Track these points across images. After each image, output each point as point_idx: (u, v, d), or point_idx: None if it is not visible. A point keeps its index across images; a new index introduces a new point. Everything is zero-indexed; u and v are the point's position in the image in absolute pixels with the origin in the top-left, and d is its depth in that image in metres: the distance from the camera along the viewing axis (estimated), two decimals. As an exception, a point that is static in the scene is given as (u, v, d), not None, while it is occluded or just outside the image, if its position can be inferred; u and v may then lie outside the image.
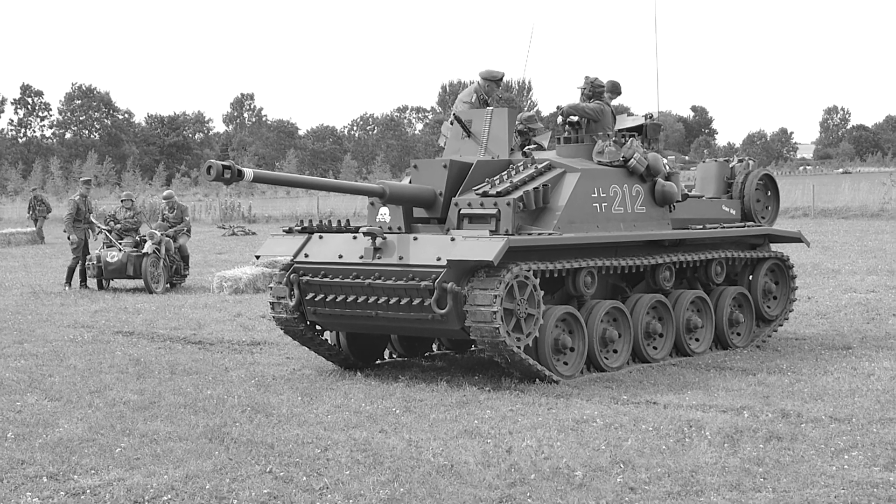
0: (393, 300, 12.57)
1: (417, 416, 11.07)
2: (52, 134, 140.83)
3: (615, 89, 15.23)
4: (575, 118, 14.58)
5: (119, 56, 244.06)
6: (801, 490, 8.38)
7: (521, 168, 13.40)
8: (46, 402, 12.01)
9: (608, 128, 14.29)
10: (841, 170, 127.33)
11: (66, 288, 23.89)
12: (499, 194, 12.90)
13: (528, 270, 12.41)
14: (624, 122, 15.04)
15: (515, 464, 9.14)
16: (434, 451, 9.56)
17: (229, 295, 22.26)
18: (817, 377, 12.84)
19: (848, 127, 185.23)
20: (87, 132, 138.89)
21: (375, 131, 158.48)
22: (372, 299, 12.73)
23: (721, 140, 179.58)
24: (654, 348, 14.22)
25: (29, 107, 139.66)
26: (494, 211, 12.78)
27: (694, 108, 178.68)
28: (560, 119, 14.67)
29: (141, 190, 76.26)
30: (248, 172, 11.85)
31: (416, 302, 12.41)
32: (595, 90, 14.48)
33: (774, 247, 16.58)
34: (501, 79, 14.99)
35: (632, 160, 13.97)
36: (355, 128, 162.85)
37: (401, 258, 12.59)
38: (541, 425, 10.50)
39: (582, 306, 13.43)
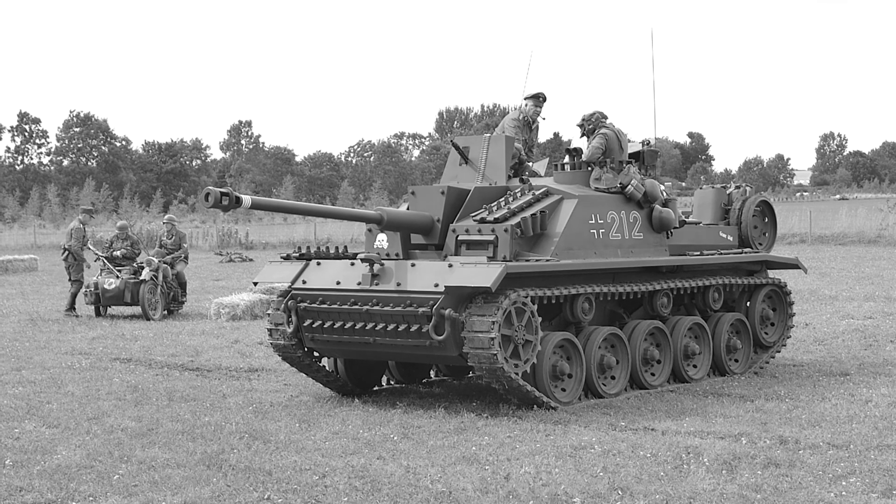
0: (391, 326, 12.57)
1: (415, 442, 11.07)
2: (50, 161, 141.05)
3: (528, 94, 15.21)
4: (577, 145, 14.70)
5: (117, 83, 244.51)
6: (800, 516, 8.38)
7: (519, 194, 13.43)
8: (44, 428, 11.99)
9: (617, 152, 14.25)
10: (838, 196, 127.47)
11: (74, 315, 23.93)
12: (496, 220, 12.92)
13: (526, 297, 12.42)
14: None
15: (514, 490, 9.13)
16: (432, 478, 9.55)
17: (227, 321, 22.25)
18: (815, 404, 12.83)
19: (845, 153, 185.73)
20: (84, 159, 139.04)
21: (373, 158, 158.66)
22: (370, 326, 12.73)
23: (718, 166, 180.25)
24: (652, 374, 14.22)
25: (26, 134, 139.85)
26: (492, 237, 12.79)
27: (691, 135, 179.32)
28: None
29: (138, 217, 76.27)
30: (247, 199, 11.86)
31: (413, 328, 12.41)
32: (595, 124, 14.45)
33: (772, 273, 16.59)
34: (537, 96, 15.08)
35: (629, 186, 14.00)
36: (352, 154, 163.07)
37: (398, 284, 12.60)
38: (539, 452, 10.49)
39: (580, 333, 13.44)
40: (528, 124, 15.20)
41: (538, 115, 15.29)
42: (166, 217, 26.23)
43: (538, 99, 15.19)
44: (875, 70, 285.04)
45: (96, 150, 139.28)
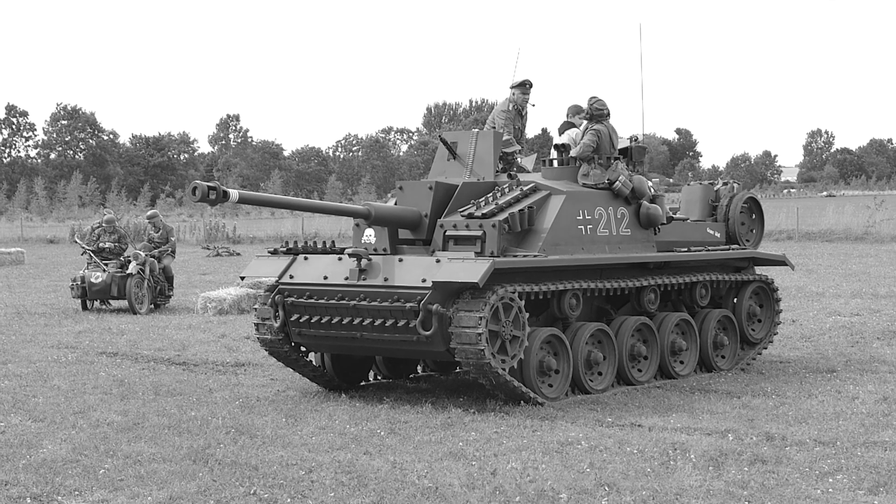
0: (378, 322, 12.55)
1: (402, 437, 11.06)
2: (37, 154, 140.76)
3: (578, 111, 15.19)
4: (566, 141, 14.71)
5: (104, 77, 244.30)
6: (786, 513, 8.39)
7: (507, 190, 13.42)
8: (30, 422, 11.97)
9: (606, 150, 14.20)
10: (825, 193, 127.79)
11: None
12: (484, 216, 12.91)
13: (514, 292, 12.41)
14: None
15: (500, 486, 9.13)
16: (419, 474, 9.54)
17: (213, 316, 22.21)
18: (802, 400, 12.85)
19: (832, 150, 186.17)
20: (71, 152, 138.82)
21: (360, 152, 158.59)
22: (357, 321, 12.71)
23: (705, 163, 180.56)
24: (639, 371, 14.22)
25: (14, 127, 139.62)
26: (480, 233, 12.79)
27: (678, 131, 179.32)
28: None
29: (125, 210, 76.11)
30: (234, 193, 11.85)
31: (401, 323, 12.40)
32: (594, 113, 14.38)
33: (759, 270, 16.60)
34: (524, 84, 15.08)
35: (617, 183, 13.99)
36: (340, 149, 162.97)
37: (386, 280, 12.58)
38: (525, 447, 10.49)
39: (567, 328, 13.43)
40: (519, 112, 15.24)
41: (527, 102, 15.32)
42: (149, 213, 25.96)
43: (525, 87, 15.21)
44: (862, 67, 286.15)
45: (84, 144, 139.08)
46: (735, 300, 16.03)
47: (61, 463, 10.05)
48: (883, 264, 32.80)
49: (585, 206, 13.69)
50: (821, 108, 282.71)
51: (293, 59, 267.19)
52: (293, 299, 13.13)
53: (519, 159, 14.89)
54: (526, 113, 15.44)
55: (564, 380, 13.14)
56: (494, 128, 14.92)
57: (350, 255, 12.88)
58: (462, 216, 13.10)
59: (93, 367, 15.88)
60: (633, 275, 14.23)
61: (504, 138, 14.58)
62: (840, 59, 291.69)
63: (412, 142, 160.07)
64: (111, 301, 24.20)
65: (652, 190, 14.67)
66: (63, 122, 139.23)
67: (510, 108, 15.20)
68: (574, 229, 13.49)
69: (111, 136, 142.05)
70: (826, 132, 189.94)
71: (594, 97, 14.35)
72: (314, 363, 14.03)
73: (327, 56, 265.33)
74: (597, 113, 14.26)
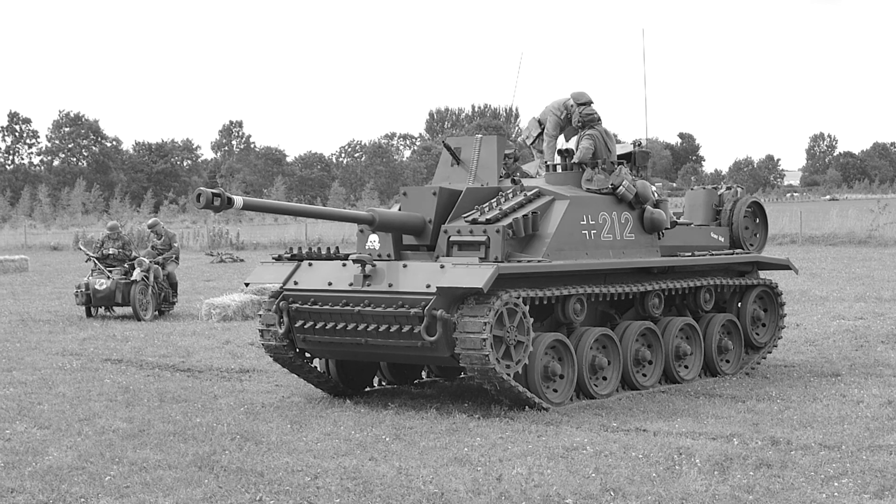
0: (382, 327, 12.57)
1: (407, 443, 11.07)
2: (41, 161, 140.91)
3: (580, 99, 15.08)
4: (570, 144, 14.74)
5: (107, 83, 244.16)
6: (792, 517, 8.38)
7: (511, 195, 13.43)
8: (36, 430, 11.98)
9: (604, 154, 14.22)
10: (828, 196, 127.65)
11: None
12: (488, 221, 12.91)
13: (518, 297, 12.42)
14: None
15: (506, 492, 9.13)
16: (424, 479, 9.55)
17: (218, 322, 22.22)
18: (806, 404, 12.85)
19: (835, 154, 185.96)
20: (75, 159, 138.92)
21: (363, 158, 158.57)
22: (361, 326, 12.72)
23: (708, 167, 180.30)
24: (644, 375, 14.23)
25: (17, 134, 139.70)
26: (484, 238, 12.79)
27: (681, 135, 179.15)
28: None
29: (129, 217, 76.13)
30: (238, 200, 11.84)
31: (405, 329, 12.41)
32: (585, 119, 14.46)
33: (763, 274, 16.60)
34: (584, 103, 14.89)
35: (620, 187, 14.00)
36: (343, 154, 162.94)
37: (390, 285, 12.60)
38: (531, 453, 10.49)
39: (571, 333, 13.44)
40: (569, 120, 15.05)
41: (583, 116, 15.16)
42: (150, 221, 26.02)
43: (585, 105, 14.97)
44: (865, 71, 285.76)
45: (87, 151, 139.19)
46: (739, 304, 16.03)
47: (67, 470, 10.07)
48: (887, 268, 32.78)
49: (589, 211, 13.70)
50: (823, 112, 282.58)
51: (296, 65, 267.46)
52: (298, 305, 13.15)
53: (537, 157, 14.89)
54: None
55: (569, 385, 13.14)
56: (540, 122, 15.07)
57: (354, 261, 12.90)
58: (466, 222, 13.10)
59: (97, 374, 15.90)
60: (637, 279, 14.24)
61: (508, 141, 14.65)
62: (842, 63, 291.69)
63: (415, 147, 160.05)
64: (115, 308, 24.24)
65: (655, 194, 14.68)
66: (66, 129, 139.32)
67: (561, 113, 15.04)
68: (578, 234, 13.50)
69: (114, 142, 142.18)
70: (829, 136, 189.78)
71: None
72: (319, 369, 14.05)
73: (330, 62, 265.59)
74: (587, 119, 14.39)
